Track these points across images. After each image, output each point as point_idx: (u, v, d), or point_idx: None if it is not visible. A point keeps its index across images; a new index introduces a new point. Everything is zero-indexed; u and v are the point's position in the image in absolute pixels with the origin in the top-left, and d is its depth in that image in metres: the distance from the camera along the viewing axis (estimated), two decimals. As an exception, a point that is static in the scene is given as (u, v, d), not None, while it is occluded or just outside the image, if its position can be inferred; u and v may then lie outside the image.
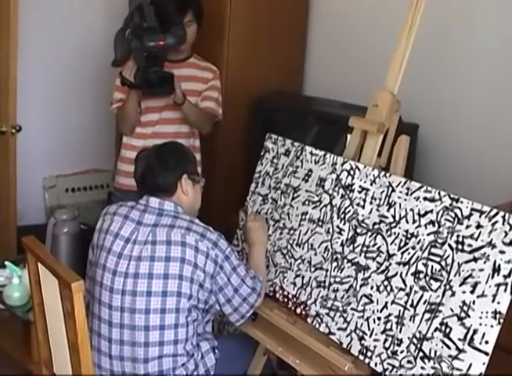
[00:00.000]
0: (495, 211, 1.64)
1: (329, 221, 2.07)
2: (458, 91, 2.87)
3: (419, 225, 1.80)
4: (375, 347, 1.81)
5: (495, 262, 1.60)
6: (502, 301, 1.56)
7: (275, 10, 3.34)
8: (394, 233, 1.86)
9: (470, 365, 1.58)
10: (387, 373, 1.76)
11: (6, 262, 2.65)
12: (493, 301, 1.57)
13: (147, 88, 2.68)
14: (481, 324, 1.58)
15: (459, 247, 1.69)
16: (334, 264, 2.00)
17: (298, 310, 2.08)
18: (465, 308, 1.62)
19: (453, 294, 1.66)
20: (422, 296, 1.73)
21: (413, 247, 1.80)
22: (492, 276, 1.59)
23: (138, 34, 2.63)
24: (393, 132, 2.10)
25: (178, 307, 1.93)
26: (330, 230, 2.05)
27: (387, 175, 1.94)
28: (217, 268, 1.96)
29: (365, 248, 1.92)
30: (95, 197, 3.97)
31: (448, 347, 1.63)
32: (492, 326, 1.56)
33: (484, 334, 1.57)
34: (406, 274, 1.79)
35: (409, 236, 1.82)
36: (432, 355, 1.67)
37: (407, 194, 1.86)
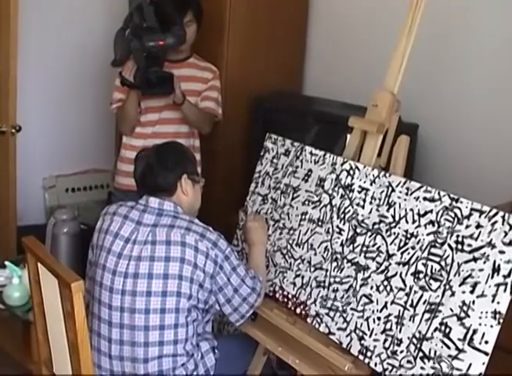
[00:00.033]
0: (494, 211, 1.64)
1: (328, 221, 2.07)
2: (458, 91, 2.87)
3: (418, 225, 1.80)
4: (375, 347, 1.81)
5: (494, 262, 1.60)
6: (502, 301, 1.56)
7: (274, 10, 3.34)
8: (394, 233, 1.86)
9: (470, 365, 1.58)
10: (387, 373, 1.76)
11: (6, 262, 2.65)
12: (493, 301, 1.57)
13: (147, 88, 2.68)
14: (480, 324, 1.58)
15: (459, 247, 1.69)
16: (334, 264, 2.00)
17: (298, 310, 2.08)
18: (465, 308, 1.62)
19: (453, 294, 1.66)
20: (422, 296, 1.73)
21: (413, 247, 1.80)
22: (492, 276, 1.59)
23: (138, 34, 2.63)
24: (393, 132, 2.10)
25: (177, 307, 1.93)
26: (330, 230, 2.05)
27: (387, 175, 1.94)
28: (217, 268, 1.96)
29: (364, 248, 1.92)
30: (95, 197, 3.97)
31: (448, 347, 1.63)
32: (491, 326, 1.56)
33: (483, 334, 1.57)
34: (406, 274, 1.79)
35: (408, 236, 1.82)
36: (432, 355, 1.67)
37: (407, 194, 1.86)
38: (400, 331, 1.76)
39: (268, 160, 2.40)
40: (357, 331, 1.87)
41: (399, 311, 1.77)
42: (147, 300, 1.92)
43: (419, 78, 2.77)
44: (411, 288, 1.76)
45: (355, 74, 3.25)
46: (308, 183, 2.19)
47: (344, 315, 1.92)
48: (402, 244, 1.83)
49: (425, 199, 1.81)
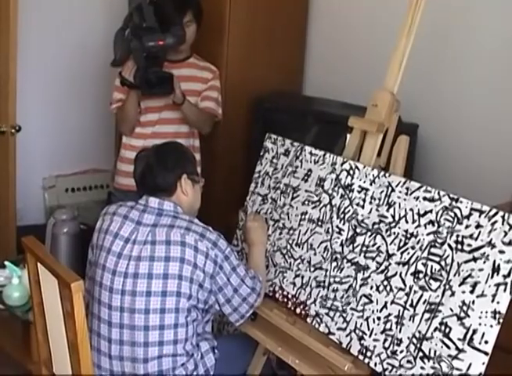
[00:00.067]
0: (494, 210, 1.64)
1: (328, 221, 2.07)
2: (458, 91, 2.87)
3: (418, 225, 1.80)
4: (374, 347, 1.81)
5: (494, 261, 1.60)
6: (502, 300, 1.56)
7: (274, 10, 3.35)
8: (394, 233, 1.86)
9: (470, 365, 1.58)
10: (387, 373, 1.76)
11: (6, 262, 2.65)
12: (493, 301, 1.57)
13: (147, 88, 2.68)
14: (480, 324, 1.58)
15: (459, 246, 1.69)
16: (334, 264, 2.00)
17: (298, 310, 2.08)
18: (464, 308, 1.62)
19: (453, 293, 1.66)
20: (421, 296, 1.73)
21: (413, 247, 1.79)
22: (492, 276, 1.59)
23: (138, 34, 2.63)
24: (392, 132, 2.10)
25: (177, 307, 1.93)
26: (330, 230, 2.05)
27: (387, 174, 1.94)
28: (216, 268, 1.96)
29: (364, 248, 1.92)
30: (94, 197, 3.98)
31: (448, 347, 1.63)
32: (491, 326, 1.56)
33: (483, 333, 1.57)
34: (406, 274, 1.79)
35: (408, 236, 1.82)
36: (432, 355, 1.67)
37: (406, 194, 1.86)
38: (400, 331, 1.76)
39: (268, 160, 2.40)
40: (357, 331, 1.86)
41: (399, 311, 1.77)
42: (147, 300, 1.92)
43: (419, 78, 2.77)
44: (411, 288, 1.76)
45: (355, 74, 3.26)
46: (308, 183, 2.19)
47: (344, 315, 1.91)
48: (401, 243, 1.83)
49: (425, 199, 1.81)
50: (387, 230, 1.88)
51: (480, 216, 1.66)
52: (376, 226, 1.91)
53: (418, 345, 1.70)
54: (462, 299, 1.63)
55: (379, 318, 1.82)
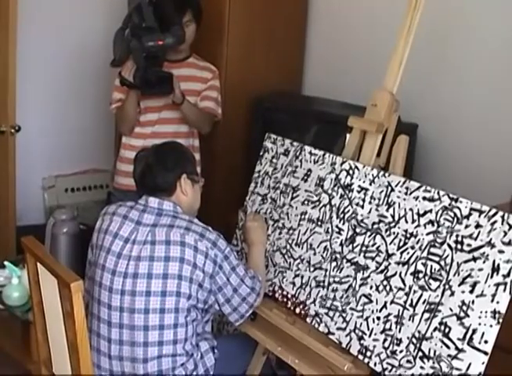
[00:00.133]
0: (494, 210, 1.64)
1: (328, 221, 2.07)
2: (458, 91, 2.87)
3: (418, 225, 1.80)
4: (374, 347, 1.81)
5: (494, 261, 1.60)
6: (502, 300, 1.56)
7: (274, 10, 3.35)
8: (394, 233, 1.86)
9: (470, 365, 1.58)
10: (387, 372, 1.76)
11: (5, 262, 2.65)
12: (492, 300, 1.57)
13: (146, 88, 2.68)
14: (480, 324, 1.58)
15: (459, 246, 1.69)
16: (333, 264, 2.00)
17: (297, 310, 2.08)
18: (464, 307, 1.62)
19: (452, 293, 1.66)
20: (421, 296, 1.73)
21: (412, 247, 1.79)
22: (492, 276, 1.59)
23: (137, 33, 2.63)
24: (392, 132, 2.10)
25: (177, 307, 1.93)
26: (329, 230, 2.05)
27: (387, 174, 1.94)
28: (216, 268, 1.96)
29: (364, 248, 1.92)
30: (94, 197, 3.98)
31: (448, 347, 1.63)
32: (491, 325, 1.56)
33: (483, 333, 1.57)
34: (405, 274, 1.79)
35: (408, 235, 1.82)
36: (431, 354, 1.67)
37: (406, 194, 1.86)
38: (399, 331, 1.76)
39: (268, 159, 2.40)
40: (356, 331, 1.86)
41: (399, 311, 1.77)
42: (147, 300, 1.92)
43: (418, 78, 2.77)
44: (410, 288, 1.76)
45: (355, 74, 3.26)
46: (308, 183, 2.19)
47: (344, 315, 1.91)
48: (401, 243, 1.83)
49: (424, 199, 1.81)
50: (386, 230, 1.88)
51: (479, 216, 1.66)
52: (375, 226, 1.91)
53: (418, 345, 1.70)
54: (461, 299, 1.63)
55: (378, 318, 1.82)
